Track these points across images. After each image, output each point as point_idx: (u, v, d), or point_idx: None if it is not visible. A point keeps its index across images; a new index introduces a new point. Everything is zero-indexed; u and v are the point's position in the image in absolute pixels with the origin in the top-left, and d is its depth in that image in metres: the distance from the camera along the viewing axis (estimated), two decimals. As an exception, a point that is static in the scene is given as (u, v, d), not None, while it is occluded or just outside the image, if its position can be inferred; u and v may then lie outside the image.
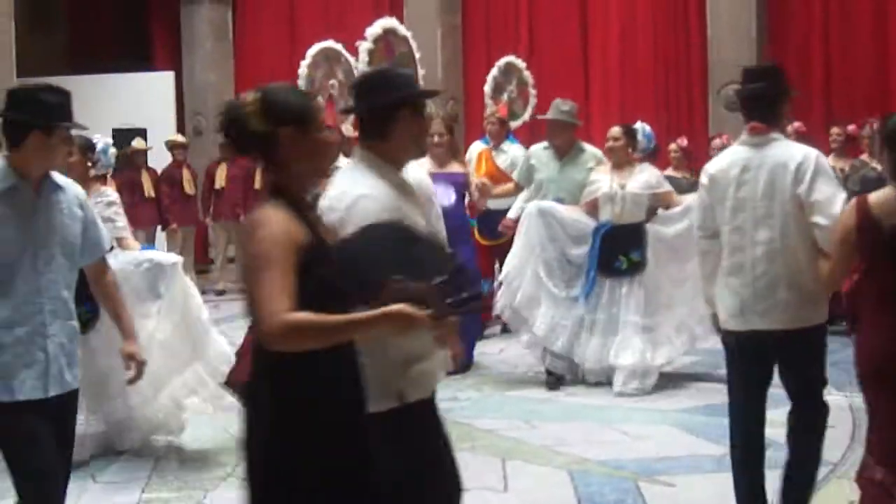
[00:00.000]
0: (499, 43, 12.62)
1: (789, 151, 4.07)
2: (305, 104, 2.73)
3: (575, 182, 7.31)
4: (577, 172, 7.35)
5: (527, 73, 9.81)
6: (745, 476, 4.26)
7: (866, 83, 10.81)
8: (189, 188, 12.31)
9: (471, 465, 5.55)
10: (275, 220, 2.58)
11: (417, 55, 7.10)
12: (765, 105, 4.15)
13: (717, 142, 10.03)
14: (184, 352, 5.65)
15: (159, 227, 12.29)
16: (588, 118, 11.51)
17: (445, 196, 6.80)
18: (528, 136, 10.25)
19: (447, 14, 12.78)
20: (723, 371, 7.04)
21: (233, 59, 14.63)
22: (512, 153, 8.50)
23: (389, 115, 3.08)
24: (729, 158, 4.20)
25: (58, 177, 3.59)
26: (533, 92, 9.76)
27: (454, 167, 7.58)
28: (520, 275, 7.02)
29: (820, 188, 3.96)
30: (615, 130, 7.13)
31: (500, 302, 7.11)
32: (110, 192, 5.80)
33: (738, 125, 11.41)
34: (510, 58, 9.96)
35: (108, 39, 15.21)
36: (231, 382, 6.02)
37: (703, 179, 4.27)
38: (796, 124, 9.36)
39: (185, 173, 12.33)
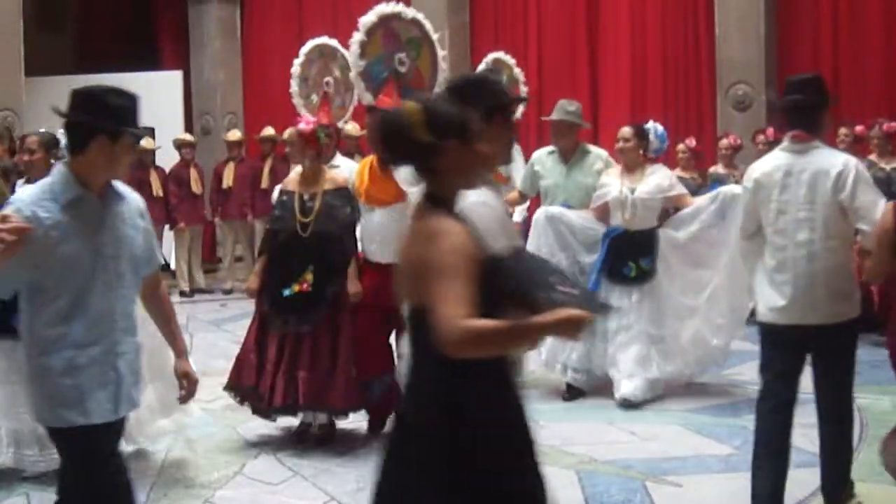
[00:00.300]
0: (507, 42, 12.59)
1: (830, 159, 4.29)
2: (467, 117, 2.76)
3: (582, 186, 7.00)
4: (584, 176, 7.02)
5: (517, 70, 9.37)
6: (768, 472, 4.35)
7: (875, 83, 10.77)
8: (196, 187, 12.31)
9: (478, 465, 5.59)
10: (454, 231, 2.64)
11: (435, 36, 6.63)
12: (806, 115, 4.35)
13: (724, 142, 10.01)
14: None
15: (167, 227, 12.32)
16: (596, 118, 11.50)
17: None
18: (535, 139, 10.23)
19: (455, 13, 12.75)
20: (729, 371, 7.15)
21: (241, 58, 14.65)
22: None
23: (483, 120, 3.10)
24: (773, 163, 4.38)
25: (119, 185, 3.42)
26: (524, 89, 9.33)
27: None
28: None
29: (862, 195, 4.19)
30: (625, 131, 6.83)
31: None
32: None
33: (746, 125, 11.41)
34: (498, 53, 9.43)
35: (115, 39, 15.23)
36: (233, 386, 6.00)
37: (748, 183, 4.48)
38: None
39: (193, 172, 12.33)
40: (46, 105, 3.71)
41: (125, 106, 3.30)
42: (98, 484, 3.34)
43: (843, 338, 4.32)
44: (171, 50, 15.13)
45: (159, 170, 12.31)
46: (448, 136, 2.69)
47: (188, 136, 12.74)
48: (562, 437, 5.94)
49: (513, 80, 9.05)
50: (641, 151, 6.81)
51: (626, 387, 6.63)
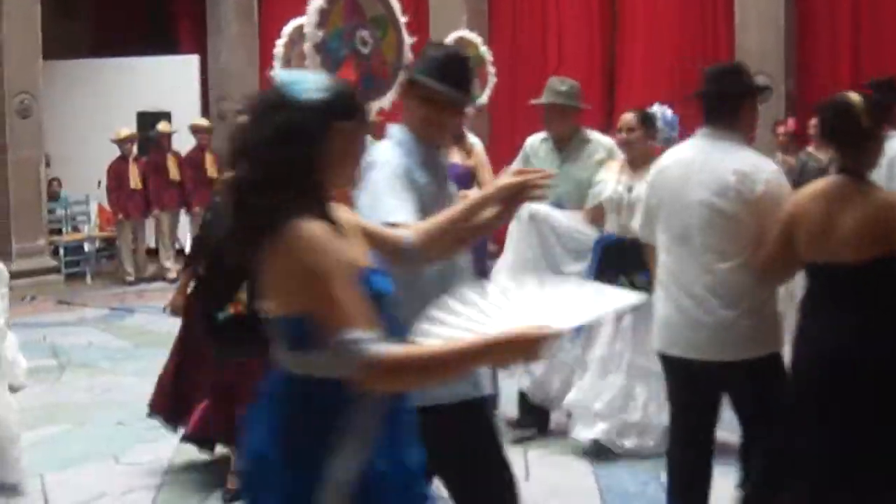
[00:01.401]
0: (525, 29, 12.56)
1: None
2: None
3: (577, 180, 5.61)
4: (581, 169, 5.65)
5: (483, 49, 8.51)
6: None
7: (896, 72, 10.69)
8: (212, 172, 12.30)
9: (492, 454, 5.57)
10: None
11: (403, 19, 5.94)
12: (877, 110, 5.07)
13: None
14: None
15: (183, 211, 12.36)
16: (612, 106, 11.45)
17: None
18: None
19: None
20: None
21: (258, 42, 14.61)
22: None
23: (738, 102, 3.69)
24: None
25: None
26: (492, 70, 8.56)
27: (453, 157, 5.94)
28: None
29: None
30: (628, 118, 5.50)
31: None
32: None
33: (766, 116, 11.32)
34: (463, 32, 8.79)
35: (133, 22, 15.25)
36: (156, 411, 5.33)
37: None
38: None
39: (209, 157, 12.34)
40: (63, 88, 3.62)
41: (435, 57, 3.11)
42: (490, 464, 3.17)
43: None
44: (187, 34, 15.13)
45: (176, 154, 12.34)
46: (880, 121, 3.40)
47: (204, 121, 12.75)
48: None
49: (479, 60, 8.41)
50: (649, 141, 5.51)
51: (600, 429, 5.39)
